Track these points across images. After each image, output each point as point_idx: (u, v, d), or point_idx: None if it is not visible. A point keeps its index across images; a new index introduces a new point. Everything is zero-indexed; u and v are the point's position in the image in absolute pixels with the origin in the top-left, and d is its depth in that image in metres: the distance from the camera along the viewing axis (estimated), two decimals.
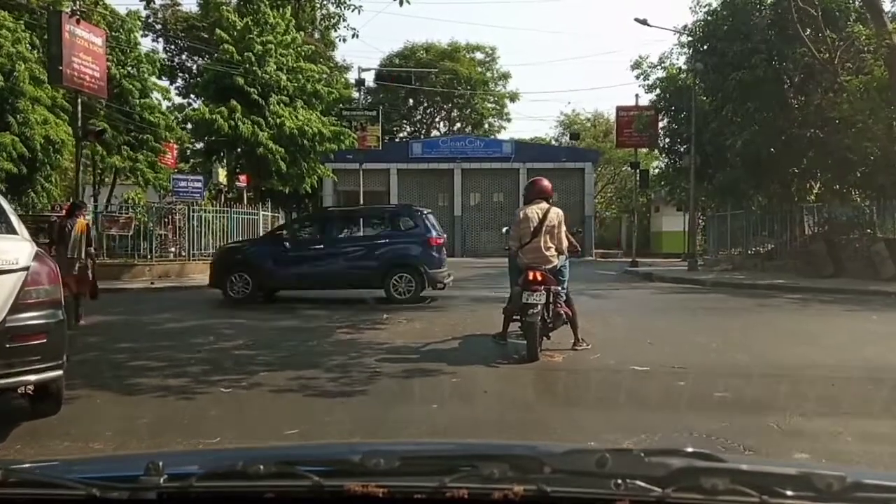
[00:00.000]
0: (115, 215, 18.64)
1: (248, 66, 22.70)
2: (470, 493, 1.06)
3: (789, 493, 1.06)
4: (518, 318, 7.14)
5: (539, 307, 6.75)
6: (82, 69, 15.64)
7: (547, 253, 7.11)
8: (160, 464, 1.11)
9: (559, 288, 7.13)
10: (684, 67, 24.73)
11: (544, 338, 7.05)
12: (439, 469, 1.12)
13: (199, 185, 21.43)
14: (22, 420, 4.73)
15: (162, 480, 1.09)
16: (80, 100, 16.52)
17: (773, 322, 10.50)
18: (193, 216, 19.31)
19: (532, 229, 7.15)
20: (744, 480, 1.07)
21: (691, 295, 14.94)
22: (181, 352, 7.45)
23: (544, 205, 7.36)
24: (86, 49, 15.74)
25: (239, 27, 23.40)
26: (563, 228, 7.36)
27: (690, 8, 22.90)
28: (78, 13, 14.01)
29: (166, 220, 19.66)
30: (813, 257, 17.71)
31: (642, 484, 1.06)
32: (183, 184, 21.23)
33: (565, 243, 7.35)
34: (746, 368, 6.58)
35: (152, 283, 16.07)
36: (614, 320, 10.15)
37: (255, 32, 23.20)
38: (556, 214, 7.28)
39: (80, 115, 16.53)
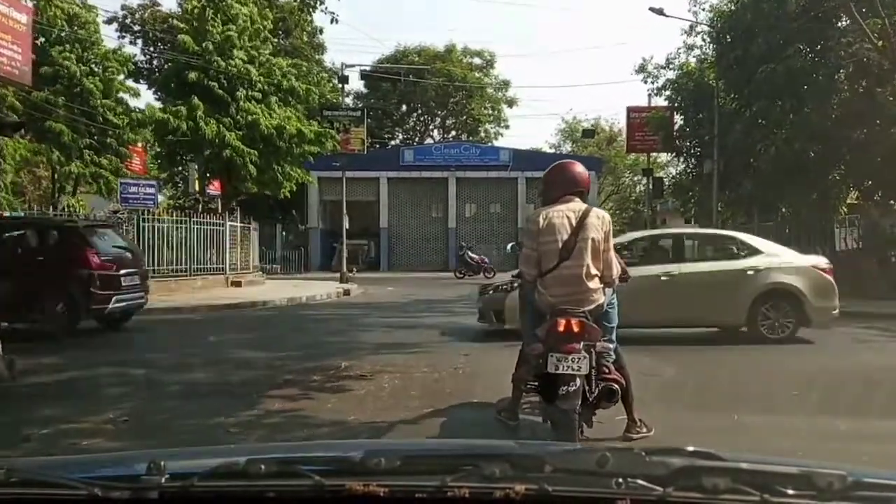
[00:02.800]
0: None
1: (207, 57, 22.14)
2: (471, 493, 1.17)
3: (790, 491, 1.18)
4: (535, 387, 4.96)
5: (578, 382, 4.47)
6: None
7: (589, 284, 4.81)
8: (162, 463, 1.23)
9: (608, 343, 4.91)
10: (702, 62, 24.94)
11: (584, 425, 4.79)
12: (440, 468, 1.23)
13: (153, 191, 20.64)
14: None
15: (163, 480, 1.21)
16: None
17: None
18: (145, 227, 18.21)
19: (560, 245, 4.81)
20: (745, 479, 1.18)
21: None
22: (12, 432, 5.40)
23: (578, 203, 5.00)
24: (2, 26, 14.38)
25: (197, 11, 22.86)
26: (612, 243, 5.08)
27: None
28: None
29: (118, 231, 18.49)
30: (862, 276, 17.11)
31: (643, 483, 1.18)
32: (133, 189, 20.39)
33: (616, 268, 5.04)
34: None
35: None
36: (664, 372, 7.81)
37: (212, 13, 22.66)
38: (598, 220, 4.93)
39: None
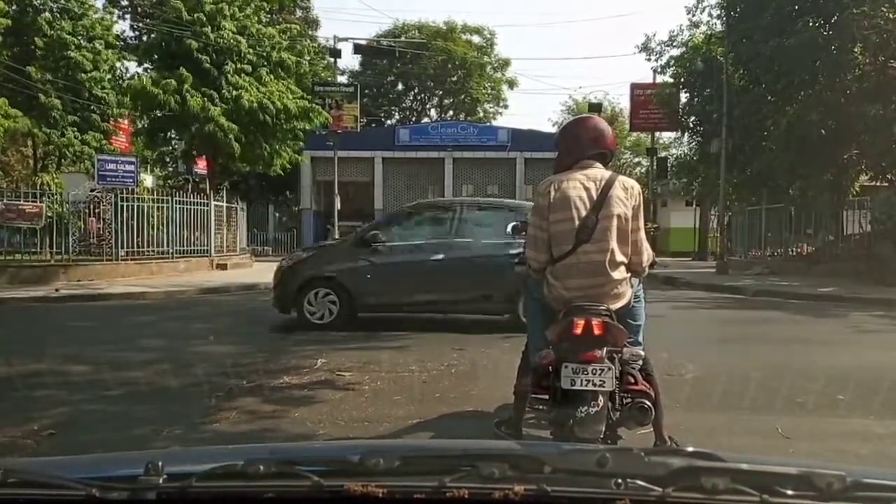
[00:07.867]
0: (21, 204, 17.15)
1: (198, 27, 21.82)
2: (470, 493, 1.20)
3: (790, 492, 1.21)
4: (544, 401, 4.02)
5: (601, 401, 3.67)
6: None
7: (614, 275, 3.96)
8: (160, 464, 1.26)
9: (638, 350, 3.97)
10: (710, 37, 24.88)
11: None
12: (439, 469, 1.27)
13: (132, 168, 20.28)
14: None
15: (161, 480, 1.24)
16: None
17: None
18: (124, 206, 18.17)
19: (577, 224, 3.95)
20: (744, 480, 1.22)
21: (749, 312, 12.92)
22: None
23: (600, 170, 4.09)
24: None
25: None
26: (643, 220, 4.20)
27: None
28: None
29: (95, 210, 18.40)
30: (877, 261, 17.11)
31: (643, 483, 1.22)
32: (111, 167, 19.98)
33: (647, 254, 4.19)
34: None
35: (56, 291, 14.56)
36: (686, 369, 6.93)
37: None
38: (625, 191, 4.03)
39: None
